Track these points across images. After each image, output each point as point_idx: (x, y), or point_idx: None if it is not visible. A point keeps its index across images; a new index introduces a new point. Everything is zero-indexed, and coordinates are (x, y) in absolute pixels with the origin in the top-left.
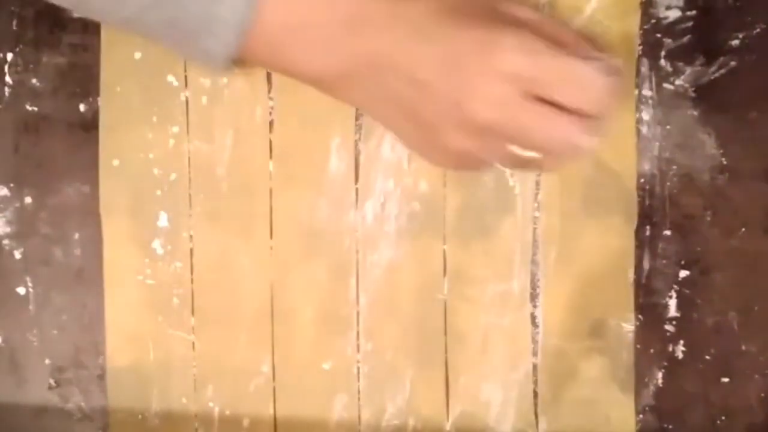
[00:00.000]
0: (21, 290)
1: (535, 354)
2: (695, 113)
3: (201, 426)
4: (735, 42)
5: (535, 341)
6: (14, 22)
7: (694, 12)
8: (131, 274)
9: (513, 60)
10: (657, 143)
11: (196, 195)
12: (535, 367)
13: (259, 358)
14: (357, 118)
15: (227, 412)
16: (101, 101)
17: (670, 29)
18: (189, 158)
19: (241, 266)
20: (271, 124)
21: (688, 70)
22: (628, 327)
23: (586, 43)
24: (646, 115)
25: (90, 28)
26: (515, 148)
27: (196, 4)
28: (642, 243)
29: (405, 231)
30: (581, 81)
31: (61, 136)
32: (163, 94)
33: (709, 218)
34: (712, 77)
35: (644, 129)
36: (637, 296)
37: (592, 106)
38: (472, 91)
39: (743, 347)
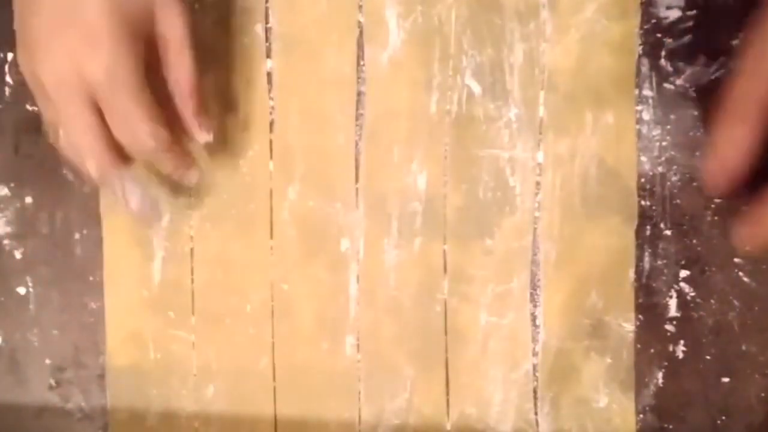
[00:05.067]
0: (21, 290)
1: (535, 354)
2: (695, 113)
3: (201, 426)
4: (735, 42)
5: (535, 341)
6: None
7: (694, 12)
8: (131, 274)
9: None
10: (657, 143)
11: (197, 195)
12: (535, 367)
13: (259, 358)
14: (357, 118)
15: (227, 412)
16: None
17: (671, 29)
18: None
19: (241, 266)
20: (271, 124)
21: (689, 70)
22: (628, 327)
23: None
24: (646, 115)
25: None
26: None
27: None
28: (642, 243)
29: (405, 231)
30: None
31: None
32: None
33: (709, 218)
34: (713, 77)
35: (644, 129)
36: (637, 296)
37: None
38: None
39: (743, 347)
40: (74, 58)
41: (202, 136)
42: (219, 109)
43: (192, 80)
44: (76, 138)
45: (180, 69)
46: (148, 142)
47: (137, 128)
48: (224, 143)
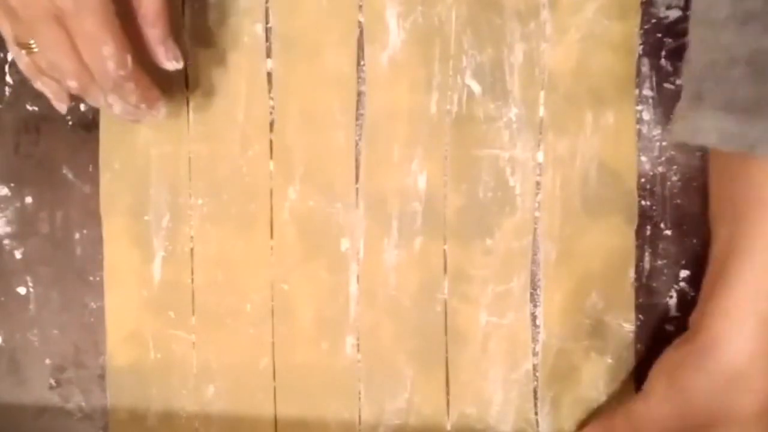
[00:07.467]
0: (21, 290)
1: (535, 354)
2: None
3: (201, 426)
4: None
5: (535, 341)
6: None
7: None
8: (131, 274)
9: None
10: (657, 143)
11: (197, 195)
12: (535, 367)
13: (259, 358)
14: (357, 118)
15: (227, 412)
16: None
17: (671, 29)
18: (189, 158)
19: (242, 266)
20: (271, 124)
21: None
22: (628, 327)
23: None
24: (646, 115)
25: None
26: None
27: None
28: (642, 243)
29: (405, 231)
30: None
31: (61, 136)
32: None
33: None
34: None
35: (644, 129)
36: (637, 296)
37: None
38: None
39: None
40: None
41: (169, 63)
42: (219, 108)
43: (157, 6)
44: (53, 56)
45: None
46: (112, 69)
47: (102, 52)
48: (224, 142)
